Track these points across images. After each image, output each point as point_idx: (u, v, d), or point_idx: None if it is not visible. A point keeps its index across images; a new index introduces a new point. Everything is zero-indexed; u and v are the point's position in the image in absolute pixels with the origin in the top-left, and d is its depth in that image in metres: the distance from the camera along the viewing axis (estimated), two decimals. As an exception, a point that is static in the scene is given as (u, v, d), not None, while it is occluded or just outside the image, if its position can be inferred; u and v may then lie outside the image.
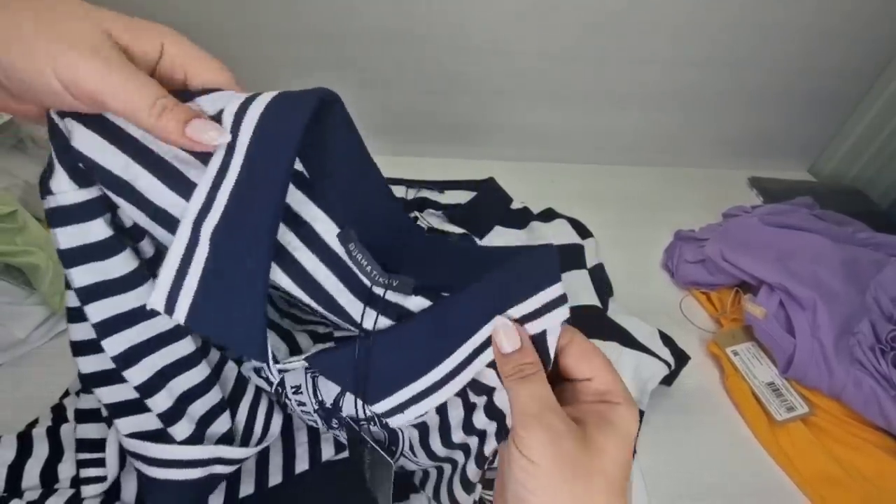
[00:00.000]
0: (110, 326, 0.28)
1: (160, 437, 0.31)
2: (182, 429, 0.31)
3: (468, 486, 0.31)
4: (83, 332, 0.29)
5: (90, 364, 0.30)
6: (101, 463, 0.37)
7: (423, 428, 0.32)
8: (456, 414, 0.31)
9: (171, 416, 0.31)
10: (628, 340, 0.51)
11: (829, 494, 0.46)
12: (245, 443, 0.36)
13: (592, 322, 0.54)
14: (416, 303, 0.29)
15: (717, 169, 0.88)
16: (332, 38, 0.69)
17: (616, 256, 0.66)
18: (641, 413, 0.48)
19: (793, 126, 0.86)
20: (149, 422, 0.31)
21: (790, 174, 0.90)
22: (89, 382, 0.30)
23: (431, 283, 0.28)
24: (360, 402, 0.31)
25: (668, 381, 0.51)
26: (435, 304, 0.28)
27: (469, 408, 0.30)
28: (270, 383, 0.38)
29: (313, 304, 0.28)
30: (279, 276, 0.27)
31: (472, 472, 0.30)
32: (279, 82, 0.71)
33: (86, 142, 0.24)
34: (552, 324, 0.25)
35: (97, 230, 0.26)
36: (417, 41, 0.70)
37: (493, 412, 0.28)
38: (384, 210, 0.29)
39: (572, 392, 0.26)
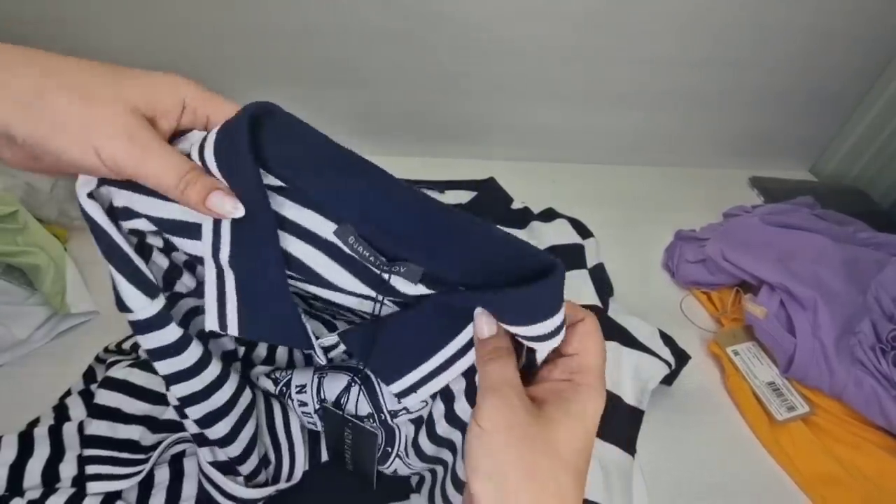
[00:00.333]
0: (188, 400, 0.33)
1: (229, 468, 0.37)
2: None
3: (459, 486, 0.33)
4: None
5: (182, 390, 0.34)
6: (108, 461, 0.38)
7: (417, 425, 0.34)
8: (438, 406, 0.34)
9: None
10: (629, 340, 0.51)
11: (829, 494, 0.46)
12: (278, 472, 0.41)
13: (593, 322, 0.54)
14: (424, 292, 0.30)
15: (718, 168, 0.88)
16: (332, 38, 0.69)
17: (616, 256, 0.66)
18: (642, 413, 0.48)
19: (794, 126, 0.86)
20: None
21: (791, 174, 0.90)
22: (181, 409, 0.35)
23: (438, 269, 0.27)
24: (361, 399, 0.35)
25: (668, 380, 0.51)
26: (446, 290, 0.28)
27: (449, 398, 0.33)
28: (276, 382, 0.40)
29: (331, 297, 0.31)
30: (294, 282, 0.30)
31: (462, 470, 0.31)
32: (279, 82, 0.71)
33: (131, 201, 0.28)
34: (545, 348, 0.26)
35: (171, 333, 0.31)
36: (418, 41, 0.70)
37: (472, 396, 0.30)
38: (378, 194, 0.27)
39: (546, 371, 0.27)
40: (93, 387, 0.43)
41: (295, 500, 0.40)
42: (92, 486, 0.36)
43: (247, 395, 0.37)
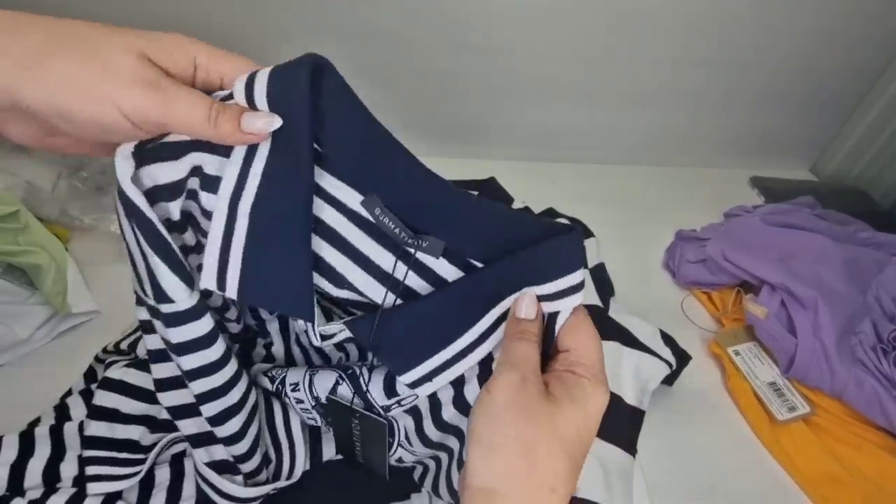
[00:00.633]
0: (207, 397, 0.32)
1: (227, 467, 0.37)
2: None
3: None
4: (167, 370, 0.33)
5: (172, 399, 0.34)
6: (108, 461, 0.38)
7: (416, 415, 0.34)
8: (446, 390, 0.33)
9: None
10: (629, 340, 0.51)
11: (830, 494, 0.46)
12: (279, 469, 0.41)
13: (593, 322, 0.53)
14: (446, 269, 0.30)
15: (719, 168, 0.88)
16: (331, 37, 0.69)
17: (617, 256, 0.66)
18: (643, 413, 0.48)
19: (794, 126, 0.86)
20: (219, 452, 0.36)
21: (792, 174, 0.90)
22: (175, 414, 0.35)
23: (459, 245, 0.29)
24: (350, 396, 0.35)
25: (669, 380, 0.51)
26: (465, 276, 0.29)
27: (459, 382, 0.32)
28: (273, 380, 0.39)
29: (345, 271, 0.30)
30: (316, 243, 0.28)
31: None
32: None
33: (155, 176, 0.26)
34: (566, 306, 0.27)
35: (205, 324, 0.30)
36: (418, 41, 0.70)
37: (485, 381, 0.29)
38: (403, 169, 0.29)
39: (549, 364, 0.28)
40: (93, 386, 0.43)
41: (294, 499, 0.40)
42: (92, 487, 0.36)
43: (254, 393, 0.37)
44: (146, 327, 0.32)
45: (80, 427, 0.40)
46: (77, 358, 0.47)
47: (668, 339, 0.53)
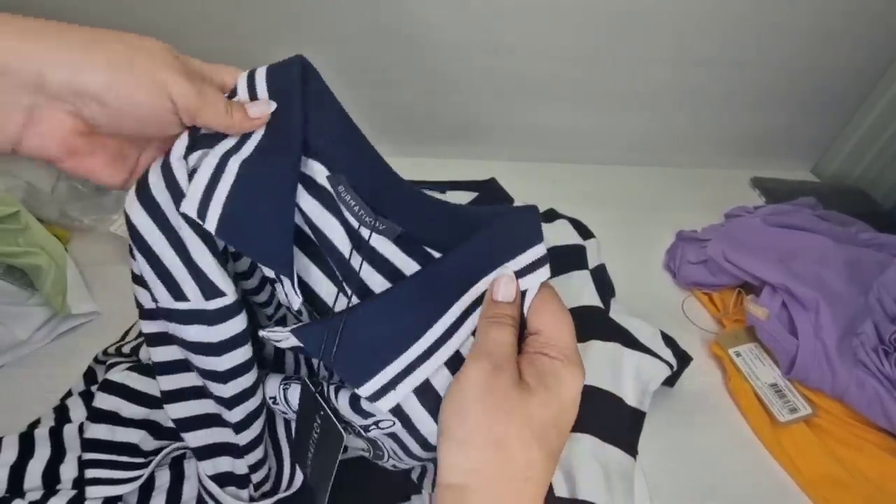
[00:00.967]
0: (238, 399, 0.32)
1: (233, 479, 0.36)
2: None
3: None
4: (176, 382, 0.33)
5: (180, 410, 0.33)
6: (107, 464, 0.37)
7: (396, 438, 0.30)
8: (412, 404, 0.28)
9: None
10: (630, 341, 0.51)
11: (831, 496, 0.46)
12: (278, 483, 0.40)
13: (594, 323, 0.54)
14: (403, 261, 0.30)
15: (720, 169, 0.88)
16: (332, 38, 0.69)
17: (618, 257, 0.66)
18: (643, 414, 0.48)
19: (796, 126, 0.86)
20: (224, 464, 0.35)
21: (793, 174, 0.90)
22: (182, 426, 0.34)
23: (416, 232, 0.30)
24: (334, 409, 0.32)
25: (670, 382, 0.51)
26: (424, 268, 0.29)
27: (425, 390, 0.28)
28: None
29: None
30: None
31: None
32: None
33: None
34: (534, 283, 0.27)
35: (242, 321, 0.30)
36: (418, 41, 0.70)
37: None
38: (368, 158, 0.31)
39: (523, 344, 0.27)
40: (93, 388, 0.43)
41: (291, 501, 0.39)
42: (91, 491, 0.36)
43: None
44: (155, 339, 0.31)
45: (80, 429, 0.40)
46: (77, 359, 0.47)
47: (668, 341, 0.53)
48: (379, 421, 0.29)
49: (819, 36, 0.73)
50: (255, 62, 0.30)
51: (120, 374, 0.41)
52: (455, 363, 0.27)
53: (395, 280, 0.31)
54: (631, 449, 0.46)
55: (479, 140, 0.82)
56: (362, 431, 0.32)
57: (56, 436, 0.40)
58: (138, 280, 0.29)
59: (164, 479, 0.40)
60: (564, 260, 0.60)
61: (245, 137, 0.28)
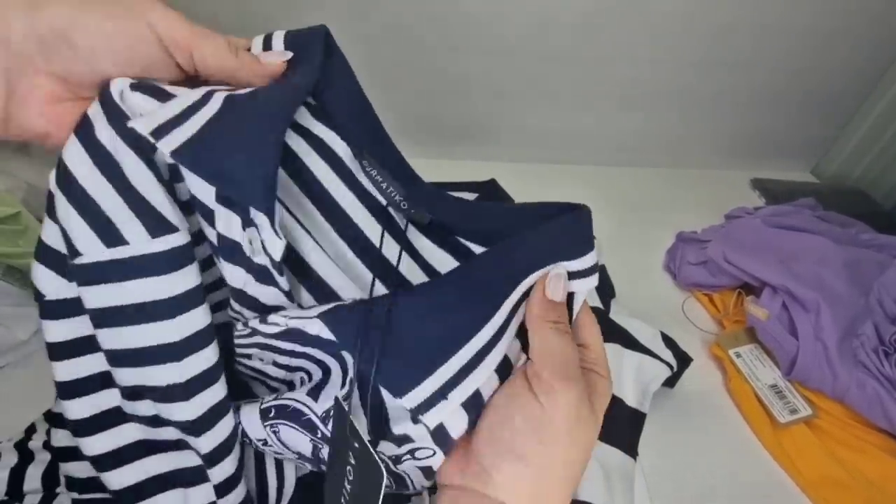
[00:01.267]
0: (196, 383, 0.25)
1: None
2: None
3: None
4: (77, 368, 0.26)
5: (80, 408, 0.27)
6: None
7: (427, 473, 0.25)
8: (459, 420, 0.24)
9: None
10: (630, 342, 0.51)
11: (832, 497, 0.46)
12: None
13: (594, 324, 0.53)
14: (440, 257, 0.27)
15: (720, 170, 0.88)
16: (335, 39, 0.69)
17: (618, 258, 0.66)
18: (643, 415, 0.48)
19: (795, 127, 0.86)
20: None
21: (793, 175, 0.90)
22: (105, 464, 0.27)
23: (447, 218, 0.27)
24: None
25: (670, 383, 0.51)
26: (473, 259, 0.26)
27: (476, 403, 0.24)
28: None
29: (327, 239, 0.26)
30: (293, 195, 0.25)
31: None
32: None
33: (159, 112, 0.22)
34: (582, 288, 0.24)
35: (195, 273, 0.24)
36: (418, 42, 0.70)
37: None
38: (386, 147, 0.29)
39: None
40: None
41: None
42: None
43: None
44: (61, 349, 0.25)
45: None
46: (77, 360, 0.47)
47: (668, 341, 0.53)
48: (416, 449, 0.23)
49: (819, 36, 0.73)
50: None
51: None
52: (503, 370, 0.23)
53: (425, 268, 0.27)
54: (631, 450, 0.46)
55: (478, 141, 0.82)
56: (391, 464, 0.25)
57: (51, 447, 0.39)
58: (46, 255, 0.24)
59: None
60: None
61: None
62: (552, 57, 0.73)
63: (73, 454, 0.33)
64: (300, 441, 0.27)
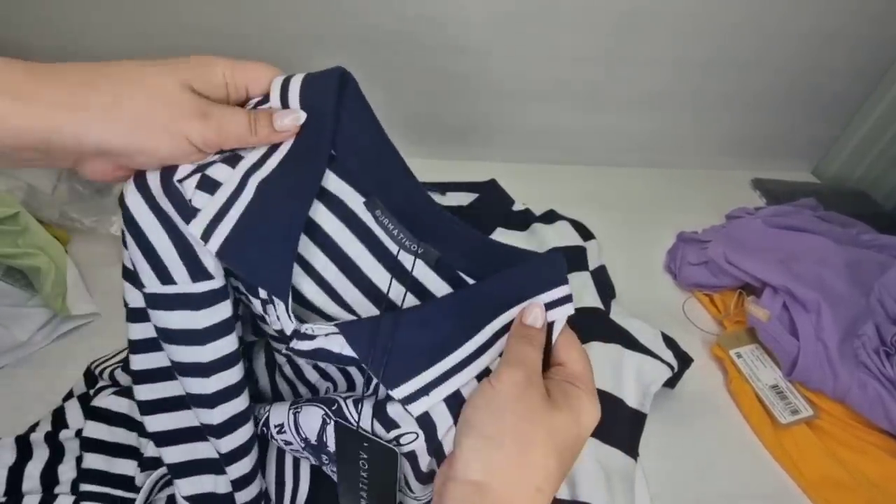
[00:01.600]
0: (221, 396, 0.31)
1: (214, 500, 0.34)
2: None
3: None
4: (155, 392, 0.32)
5: (160, 423, 0.33)
6: (104, 498, 0.37)
7: (413, 459, 0.29)
8: (442, 415, 0.29)
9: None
10: (631, 343, 0.51)
11: (833, 498, 0.46)
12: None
13: (595, 324, 0.53)
14: (437, 285, 0.31)
15: (721, 170, 0.88)
16: (333, 39, 0.69)
17: (618, 258, 0.66)
18: (644, 416, 0.48)
19: (796, 127, 0.86)
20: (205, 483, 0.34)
21: (794, 176, 0.90)
22: (161, 439, 0.33)
23: (451, 257, 0.31)
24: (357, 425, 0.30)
25: (671, 383, 0.51)
26: (467, 287, 0.31)
27: (455, 401, 0.29)
28: (256, 421, 0.35)
29: (337, 284, 0.30)
30: (310, 251, 0.30)
31: None
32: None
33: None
34: (560, 316, 0.29)
35: (230, 307, 0.30)
36: (418, 42, 0.70)
37: None
38: (403, 186, 0.31)
39: (547, 373, 0.29)
40: (92, 391, 0.43)
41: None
42: None
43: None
44: (140, 345, 0.31)
45: (78, 433, 0.40)
46: (76, 360, 0.47)
47: (669, 342, 0.53)
48: (402, 435, 0.29)
49: (820, 37, 0.73)
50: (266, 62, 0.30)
51: (105, 400, 0.40)
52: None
53: (424, 299, 0.32)
54: (632, 450, 0.46)
55: (479, 141, 0.82)
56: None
57: (52, 440, 0.39)
58: (128, 274, 0.30)
59: None
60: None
61: (272, 149, 0.29)
62: (554, 57, 0.73)
63: (101, 447, 0.39)
64: (313, 418, 0.32)
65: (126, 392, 0.41)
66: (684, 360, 0.52)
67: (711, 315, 0.63)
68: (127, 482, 0.38)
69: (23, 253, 0.48)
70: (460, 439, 0.25)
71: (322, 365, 0.37)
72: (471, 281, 0.32)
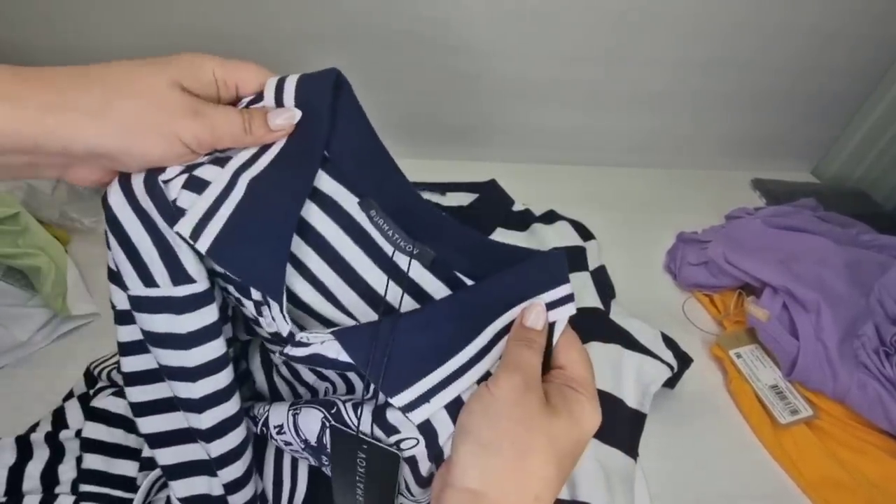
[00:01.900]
0: (209, 400, 0.30)
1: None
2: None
3: None
4: (146, 393, 0.31)
5: (152, 424, 0.32)
6: (104, 499, 0.37)
7: (413, 463, 0.29)
8: (442, 421, 0.28)
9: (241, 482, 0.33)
10: (630, 343, 0.51)
11: (833, 498, 0.46)
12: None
13: (594, 324, 0.53)
14: (433, 286, 0.31)
15: (720, 170, 0.88)
16: (332, 39, 0.69)
17: (618, 258, 0.66)
18: (644, 416, 0.48)
19: (796, 128, 0.86)
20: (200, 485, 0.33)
21: (794, 176, 0.90)
22: (154, 441, 0.32)
23: (447, 256, 0.30)
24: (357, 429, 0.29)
25: (670, 383, 0.51)
26: (464, 288, 0.30)
27: (456, 407, 0.28)
28: (255, 420, 0.36)
29: (333, 287, 0.29)
30: (303, 251, 0.29)
31: None
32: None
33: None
34: (561, 316, 0.28)
35: (215, 311, 0.29)
36: (419, 42, 0.70)
37: None
38: (397, 188, 0.31)
39: (546, 376, 0.28)
40: (91, 391, 0.43)
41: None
42: None
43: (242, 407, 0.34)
44: (128, 348, 0.30)
45: (77, 433, 0.40)
46: (76, 360, 0.47)
47: (669, 342, 0.53)
48: (402, 440, 0.28)
49: (819, 37, 0.73)
50: (256, 62, 0.29)
51: (104, 401, 0.40)
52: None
53: (421, 301, 0.31)
54: (631, 451, 0.46)
55: (479, 141, 0.82)
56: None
57: (53, 440, 0.39)
58: (113, 276, 0.29)
59: None
60: (565, 261, 0.60)
61: (263, 148, 0.28)
62: (554, 58, 0.73)
63: (100, 447, 0.38)
64: (313, 420, 0.31)
65: (124, 393, 0.41)
66: (684, 361, 0.52)
67: (711, 315, 0.63)
68: (127, 483, 0.38)
69: (23, 253, 0.48)
70: (457, 445, 0.25)
71: (316, 372, 0.37)
72: (469, 281, 0.31)
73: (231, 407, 0.31)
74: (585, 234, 0.68)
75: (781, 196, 0.80)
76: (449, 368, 0.27)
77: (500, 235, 0.66)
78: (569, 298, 0.28)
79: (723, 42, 0.73)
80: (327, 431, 0.31)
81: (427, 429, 0.27)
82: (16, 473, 0.37)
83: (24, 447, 0.39)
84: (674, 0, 0.67)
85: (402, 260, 0.31)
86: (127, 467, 0.38)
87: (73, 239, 0.60)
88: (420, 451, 0.28)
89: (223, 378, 0.30)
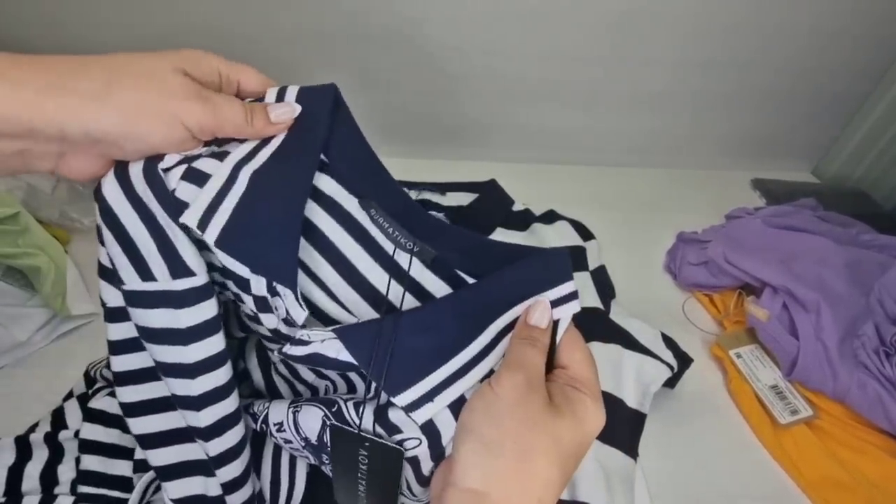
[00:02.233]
0: (209, 397, 0.30)
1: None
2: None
3: None
4: (138, 393, 0.31)
5: (145, 425, 0.32)
6: (103, 500, 0.37)
7: (415, 463, 0.29)
8: (445, 420, 0.28)
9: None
10: (630, 343, 0.51)
11: (833, 498, 0.46)
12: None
13: (594, 324, 0.53)
14: (434, 284, 0.31)
15: (720, 170, 0.88)
16: (332, 39, 0.69)
17: (618, 258, 0.66)
18: (644, 416, 0.48)
19: (796, 127, 0.86)
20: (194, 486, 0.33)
21: (794, 175, 0.89)
22: (147, 442, 0.32)
23: (448, 254, 0.30)
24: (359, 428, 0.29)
25: (670, 383, 0.51)
26: (467, 286, 0.30)
27: (459, 406, 0.28)
28: (255, 418, 0.35)
29: (336, 287, 0.30)
30: (307, 251, 0.29)
31: None
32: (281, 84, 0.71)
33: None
34: (565, 314, 0.28)
35: (215, 305, 0.29)
36: (419, 42, 0.70)
37: None
38: (394, 195, 0.31)
39: (550, 375, 0.28)
40: (90, 391, 0.43)
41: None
42: None
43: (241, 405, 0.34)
44: (119, 346, 0.30)
45: (76, 434, 0.40)
46: (76, 360, 0.47)
47: (669, 342, 0.53)
48: (405, 440, 0.28)
49: (820, 37, 0.73)
50: (256, 64, 0.30)
51: (101, 401, 0.40)
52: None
53: (423, 300, 0.31)
54: (631, 451, 0.46)
55: (479, 141, 0.82)
56: None
57: (52, 441, 0.39)
58: (105, 272, 0.28)
59: None
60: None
61: (263, 143, 0.28)
62: (554, 57, 0.73)
63: (98, 448, 0.38)
64: (313, 418, 0.31)
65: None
66: (684, 360, 0.52)
67: (711, 315, 0.63)
68: (125, 483, 0.38)
69: (23, 253, 0.48)
70: (459, 444, 0.24)
71: (315, 371, 0.37)
72: (470, 280, 0.31)
73: (230, 404, 0.31)
74: (585, 234, 0.68)
75: (781, 196, 0.80)
76: (452, 367, 0.26)
77: (500, 235, 0.66)
78: (573, 296, 0.28)
79: (723, 42, 0.72)
80: (328, 430, 0.30)
81: (430, 429, 0.27)
82: (15, 474, 0.37)
83: (23, 447, 0.39)
84: (674, 0, 0.67)
85: (403, 259, 0.31)
86: (124, 468, 0.38)
87: (72, 239, 0.60)
88: (423, 452, 0.27)
89: (223, 374, 0.30)
